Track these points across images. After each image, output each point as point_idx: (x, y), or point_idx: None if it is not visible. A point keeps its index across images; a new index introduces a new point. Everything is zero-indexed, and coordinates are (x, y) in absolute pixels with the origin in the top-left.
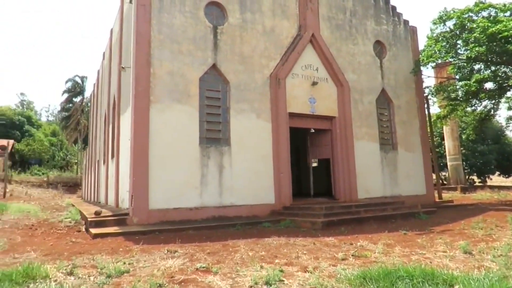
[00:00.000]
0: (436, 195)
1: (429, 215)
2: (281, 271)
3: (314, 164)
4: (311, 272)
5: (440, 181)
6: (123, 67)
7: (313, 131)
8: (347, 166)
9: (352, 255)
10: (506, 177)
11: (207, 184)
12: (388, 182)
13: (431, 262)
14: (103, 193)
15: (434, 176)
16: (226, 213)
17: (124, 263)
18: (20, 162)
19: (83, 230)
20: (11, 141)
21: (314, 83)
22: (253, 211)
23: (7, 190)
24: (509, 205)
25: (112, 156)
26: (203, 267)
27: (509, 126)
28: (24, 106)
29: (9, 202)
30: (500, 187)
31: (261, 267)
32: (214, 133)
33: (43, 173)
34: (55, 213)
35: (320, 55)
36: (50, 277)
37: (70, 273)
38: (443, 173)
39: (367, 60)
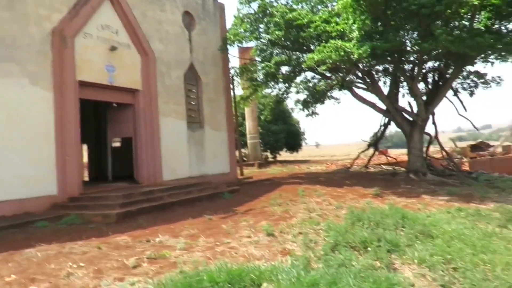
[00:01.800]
0: (239, 172)
1: (233, 194)
2: None
3: (117, 144)
4: None
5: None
6: None
7: (115, 105)
8: (151, 145)
9: (148, 258)
10: (291, 153)
11: None
12: (195, 161)
13: (236, 253)
14: None
15: (237, 154)
16: None
17: None
18: None
19: None
20: None
21: (113, 48)
22: (24, 207)
23: None
24: (296, 177)
25: None
26: None
27: (297, 107)
28: None
29: None
30: (287, 162)
31: None
32: None
33: None
34: None
35: (121, 16)
36: None
37: None
38: (244, 151)
39: (176, 31)
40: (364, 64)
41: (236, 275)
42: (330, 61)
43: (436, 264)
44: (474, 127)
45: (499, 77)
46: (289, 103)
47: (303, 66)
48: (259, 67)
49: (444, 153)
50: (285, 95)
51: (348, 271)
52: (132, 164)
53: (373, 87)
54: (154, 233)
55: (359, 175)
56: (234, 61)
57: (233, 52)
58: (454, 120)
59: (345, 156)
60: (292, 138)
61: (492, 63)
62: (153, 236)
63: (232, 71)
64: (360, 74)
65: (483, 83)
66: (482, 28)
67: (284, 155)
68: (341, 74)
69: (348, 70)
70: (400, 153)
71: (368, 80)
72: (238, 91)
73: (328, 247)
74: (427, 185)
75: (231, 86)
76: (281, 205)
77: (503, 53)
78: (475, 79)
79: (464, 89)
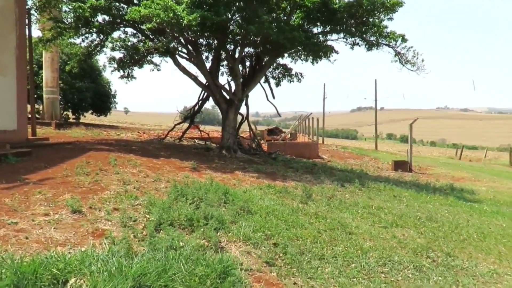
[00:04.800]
0: (30, 131)
1: (21, 158)
2: None
3: None
4: None
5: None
6: None
7: None
8: None
9: None
10: (98, 116)
11: None
12: None
13: (28, 238)
14: None
15: (29, 109)
16: None
17: None
18: None
19: None
20: None
21: None
22: None
23: None
24: (105, 144)
25: None
26: None
27: (110, 66)
28: None
29: None
30: (93, 125)
31: None
32: None
33: None
34: None
35: None
36: None
37: None
38: (37, 106)
39: None
40: (190, 33)
41: (28, 272)
42: (157, 20)
43: (259, 241)
44: (278, 114)
45: (301, 73)
46: (100, 59)
47: (126, 17)
48: (69, 7)
49: (251, 133)
50: (98, 49)
51: (178, 255)
52: None
53: (197, 59)
54: None
55: (174, 147)
56: None
57: None
58: (254, 105)
59: (156, 126)
60: (100, 100)
61: (297, 60)
62: None
63: (29, 2)
64: (184, 43)
65: (288, 76)
66: (296, 25)
67: (89, 117)
68: (165, 39)
69: (174, 35)
70: (209, 129)
71: (192, 51)
72: (36, 32)
73: (151, 226)
74: (238, 162)
75: (27, 21)
76: (89, 174)
77: (306, 52)
78: (282, 71)
79: (273, 78)
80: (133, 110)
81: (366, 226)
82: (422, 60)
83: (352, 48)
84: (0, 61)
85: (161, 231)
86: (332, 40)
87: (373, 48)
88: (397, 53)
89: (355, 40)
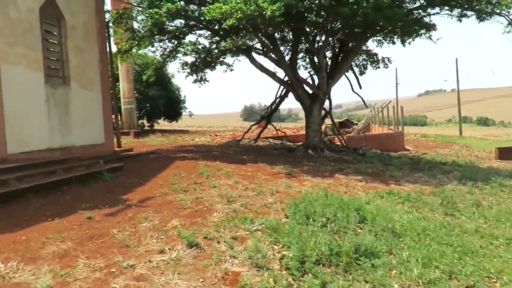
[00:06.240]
0: (115, 142)
1: (114, 173)
2: None
3: None
4: None
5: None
6: None
7: None
8: None
9: None
10: (170, 122)
11: None
12: (57, 128)
13: None
14: None
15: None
16: None
17: None
18: None
19: None
20: None
21: None
22: None
23: None
24: (186, 151)
25: None
26: None
27: (184, 71)
28: None
29: None
30: (166, 131)
31: None
32: None
33: None
34: None
35: None
36: None
37: None
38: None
39: None
40: (270, 26)
41: None
42: (239, 15)
43: (443, 284)
44: (365, 104)
45: (388, 58)
46: (169, 66)
47: (206, 17)
48: (146, 14)
49: (335, 128)
50: (173, 55)
51: None
52: None
53: (277, 54)
54: None
55: (253, 150)
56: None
57: None
58: None
59: (223, 127)
60: (172, 107)
61: (382, 43)
62: None
63: (107, 16)
64: (262, 38)
65: (374, 62)
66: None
67: (161, 124)
68: (241, 36)
69: (256, 30)
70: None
71: (270, 45)
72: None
73: (294, 268)
74: (328, 162)
75: (107, 35)
76: (187, 190)
77: (402, 32)
78: (366, 58)
79: (357, 66)
80: (196, 113)
81: None
82: None
83: (460, 20)
84: (87, 76)
85: (308, 274)
86: (433, 14)
87: (485, 18)
88: (510, 23)
89: (462, 11)
